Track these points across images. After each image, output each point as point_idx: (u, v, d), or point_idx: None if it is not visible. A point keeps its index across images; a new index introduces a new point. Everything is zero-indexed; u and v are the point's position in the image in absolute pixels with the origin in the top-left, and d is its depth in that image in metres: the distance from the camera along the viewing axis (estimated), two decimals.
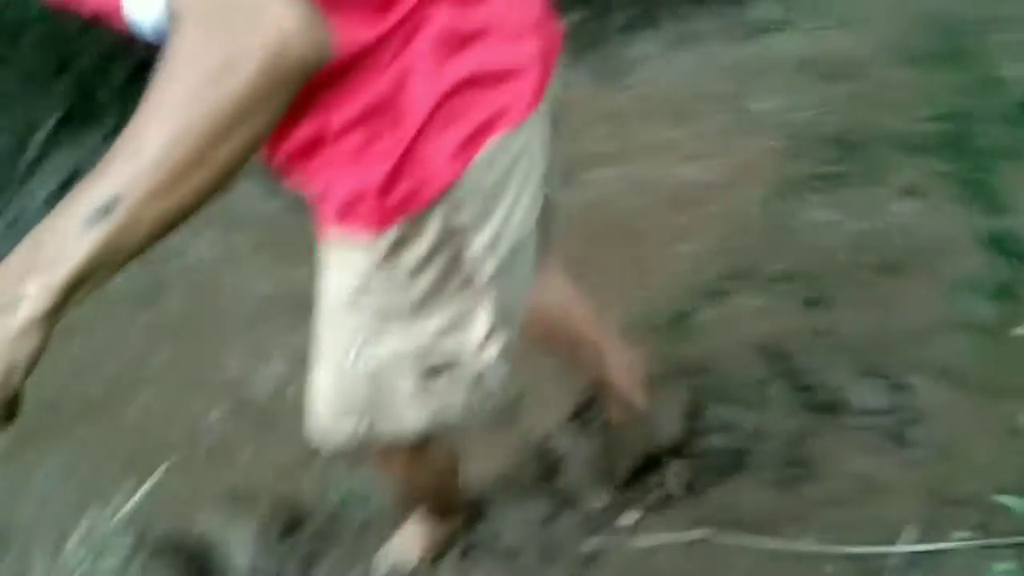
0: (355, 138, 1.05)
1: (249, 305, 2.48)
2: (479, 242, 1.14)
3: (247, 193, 2.72)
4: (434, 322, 1.19)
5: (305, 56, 0.75)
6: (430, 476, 1.60)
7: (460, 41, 1.05)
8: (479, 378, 1.25)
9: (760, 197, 2.58)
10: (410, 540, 1.78)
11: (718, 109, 2.95)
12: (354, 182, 1.07)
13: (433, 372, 1.24)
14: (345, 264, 1.16)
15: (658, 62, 3.24)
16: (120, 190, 0.72)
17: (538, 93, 1.14)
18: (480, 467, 1.89)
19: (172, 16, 0.76)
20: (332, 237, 1.14)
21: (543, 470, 1.94)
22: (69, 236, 0.72)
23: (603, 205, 2.64)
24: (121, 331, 2.47)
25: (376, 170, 1.05)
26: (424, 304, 1.17)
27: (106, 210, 0.72)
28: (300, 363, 1.40)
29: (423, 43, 1.03)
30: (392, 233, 1.09)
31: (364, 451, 1.46)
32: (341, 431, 1.32)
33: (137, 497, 2.03)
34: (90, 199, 0.72)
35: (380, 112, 1.03)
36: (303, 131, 1.05)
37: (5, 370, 0.73)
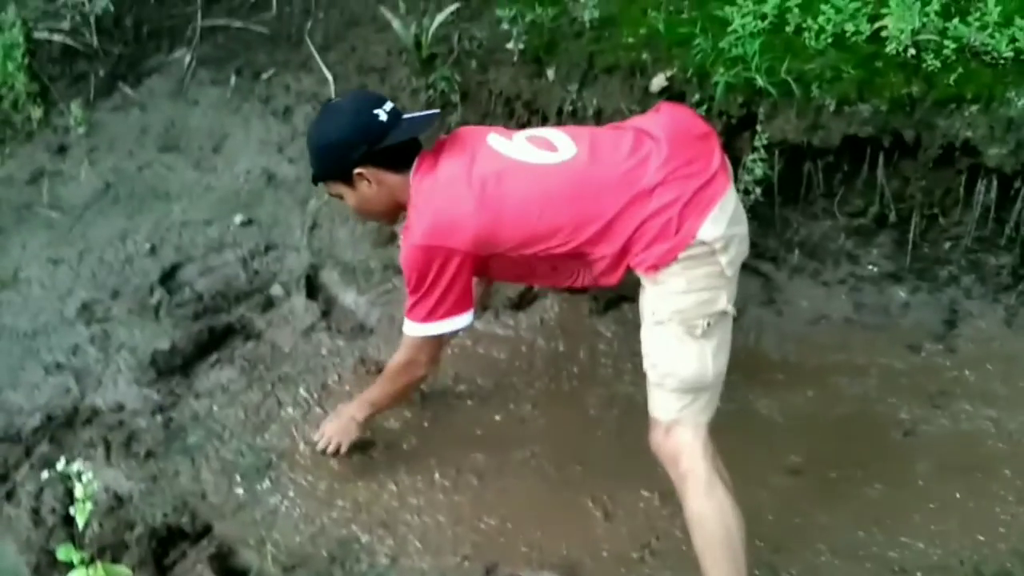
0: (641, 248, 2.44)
1: None
2: (724, 257, 2.38)
3: None
4: (704, 295, 2.39)
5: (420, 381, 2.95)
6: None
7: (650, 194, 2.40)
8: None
9: None
10: None
11: None
12: (660, 251, 2.40)
13: (693, 328, 2.40)
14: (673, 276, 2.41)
15: None
16: (369, 403, 2.97)
17: (719, 192, 2.40)
18: None
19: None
20: (658, 273, 2.42)
21: None
22: (362, 405, 2.95)
23: (972, 441, 3.07)
24: None
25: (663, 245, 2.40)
26: (694, 287, 2.39)
27: (371, 406, 2.98)
28: None
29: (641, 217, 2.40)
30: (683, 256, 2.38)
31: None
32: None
33: None
34: (367, 400, 2.96)
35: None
36: (619, 268, 2.48)
37: (347, 440, 2.98)
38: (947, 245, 3.41)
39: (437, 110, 2.66)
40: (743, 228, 2.51)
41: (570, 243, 2.46)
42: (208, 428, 3.19)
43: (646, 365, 2.54)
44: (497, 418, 3.20)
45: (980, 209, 3.29)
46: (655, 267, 2.41)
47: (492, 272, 2.74)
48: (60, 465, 2.02)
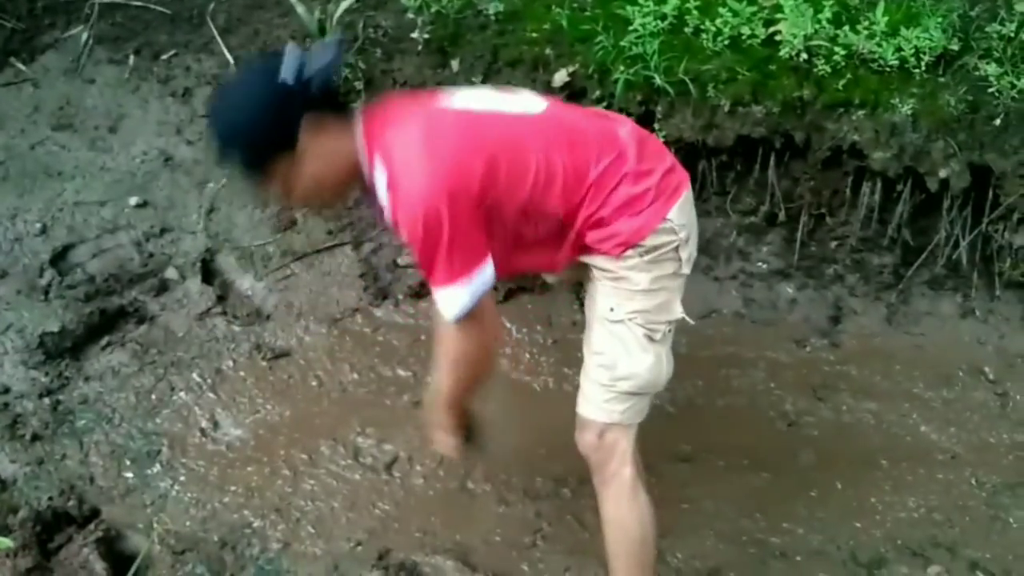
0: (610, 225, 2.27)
1: None
2: (685, 252, 2.31)
3: None
4: (663, 296, 2.31)
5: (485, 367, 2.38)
6: None
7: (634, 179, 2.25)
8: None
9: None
10: None
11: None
12: (632, 225, 2.25)
13: (654, 332, 2.32)
14: (635, 271, 2.29)
15: (949, 323, 3.53)
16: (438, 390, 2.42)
17: (684, 182, 2.34)
18: None
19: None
20: (622, 259, 2.28)
21: None
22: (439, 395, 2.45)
23: (852, 433, 3.20)
24: None
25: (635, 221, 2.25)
26: (656, 286, 2.30)
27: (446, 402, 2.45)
28: None
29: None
30: (649, 242, 2.26)
31: None
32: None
33: None
34: (436, 387, 2.44)
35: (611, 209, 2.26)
36: (592, 234, 2.27)
37: (450, 450, 2.56)
38: (833, 244, 3.55)
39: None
40: (696, 228, 2.42)
41: (571, 196, 2.22)
42: (98, 412, 3.14)
43: (595, 363, 2.36)
44: (391, 404, 3.21)
45: (865, 210, 3.43)
46: (624, 245, 2.25)
47: None
48: None
